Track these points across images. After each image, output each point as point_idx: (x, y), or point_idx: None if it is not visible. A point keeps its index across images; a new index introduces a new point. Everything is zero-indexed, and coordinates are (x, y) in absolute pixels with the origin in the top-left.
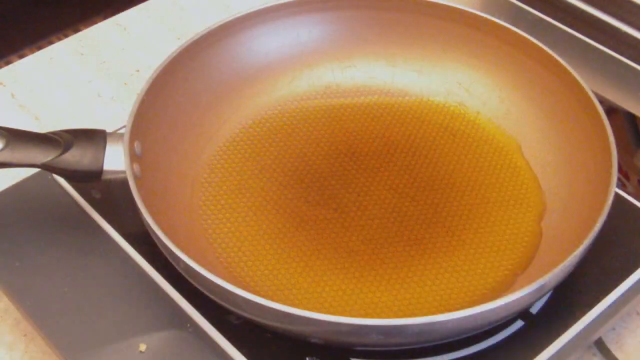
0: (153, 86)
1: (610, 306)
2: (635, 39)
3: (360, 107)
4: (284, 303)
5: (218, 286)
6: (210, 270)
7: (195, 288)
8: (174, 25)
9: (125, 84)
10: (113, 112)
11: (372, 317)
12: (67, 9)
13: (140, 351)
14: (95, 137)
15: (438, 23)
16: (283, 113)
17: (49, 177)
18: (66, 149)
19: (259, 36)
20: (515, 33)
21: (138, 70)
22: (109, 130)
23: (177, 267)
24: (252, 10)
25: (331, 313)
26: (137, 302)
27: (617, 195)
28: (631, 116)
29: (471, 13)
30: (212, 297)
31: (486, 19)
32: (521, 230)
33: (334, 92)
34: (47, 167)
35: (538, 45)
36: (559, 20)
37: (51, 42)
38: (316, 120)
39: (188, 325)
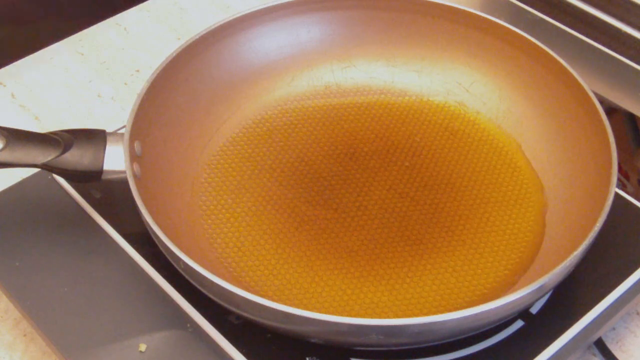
0: (153, 86)
1: (610, 306)
2: (635, 39)
3: (360, 107)
4: (284, 303)
5: (218, 286)
6: (210, 270)
7: (195, 288)
8: (174, 25)
9: (125, 84)
10: (113, 112)
11: (372, 317)
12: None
13: (140, 351)
14: (95, 137)
15: (438, 23)
16: (283, 113)
17: (49, 177)
18: (66, 149)
19: (259, 36)
20: (515, 33)
21: (138, 70)
22: (109, 130)
23: (177, 267)
24: (252, 10)
25: (331, 313)
26: (137, 302)
27: (617, 195)
28: (631, 116)
29: (471, 13)
30: (212, 297)
31: (486, 19)
32: (521, 230)
33: (334, 92)
34: (47, 167)
35: (538, 45)
36: (559, 20)
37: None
38: (316, 120)
39: (188, 325)
